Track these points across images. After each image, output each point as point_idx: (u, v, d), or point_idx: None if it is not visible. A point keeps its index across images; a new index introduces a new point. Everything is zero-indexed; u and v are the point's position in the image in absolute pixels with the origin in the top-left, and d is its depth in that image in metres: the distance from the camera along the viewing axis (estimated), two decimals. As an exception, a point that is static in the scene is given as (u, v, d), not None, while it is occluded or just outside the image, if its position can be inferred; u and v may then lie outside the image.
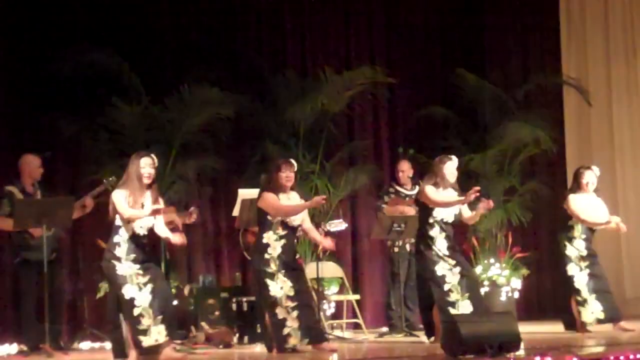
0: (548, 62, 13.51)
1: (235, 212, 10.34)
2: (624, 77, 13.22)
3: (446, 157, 9.16)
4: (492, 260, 12.26)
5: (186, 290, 10.64)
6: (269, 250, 8.44)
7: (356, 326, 11.67)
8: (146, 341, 7.74)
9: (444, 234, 8.97)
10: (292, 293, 8.38)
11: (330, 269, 11.33)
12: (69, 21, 11.28)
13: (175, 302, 8.35)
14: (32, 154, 9.70)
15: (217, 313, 10.38)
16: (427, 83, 13.50)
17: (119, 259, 7.84)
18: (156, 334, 7.75)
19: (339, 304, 11.73)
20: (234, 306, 9.97)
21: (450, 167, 9.09)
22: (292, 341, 8.30)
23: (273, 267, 8.42)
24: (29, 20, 11.08)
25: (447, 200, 8.98)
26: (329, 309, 11.47)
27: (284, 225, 8.50)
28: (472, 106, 12.80)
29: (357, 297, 11.66)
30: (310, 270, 10.45)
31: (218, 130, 11.46)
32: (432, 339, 8.92)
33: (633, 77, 13.15)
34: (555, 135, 12.67)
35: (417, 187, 10.88)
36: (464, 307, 8.77)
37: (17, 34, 11.01)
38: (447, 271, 8.87)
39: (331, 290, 11.43)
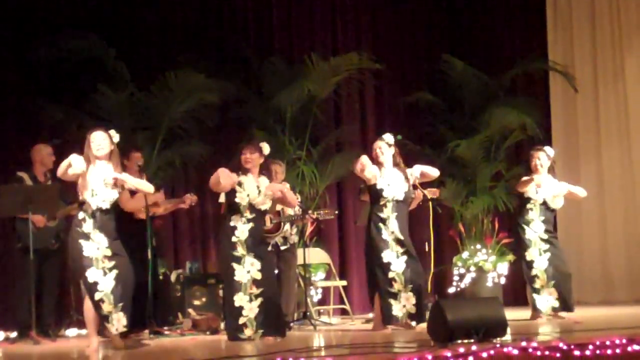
0: (534, 48, 13.52)
1: (222, 198, 10.32)
2: (610, 63, 13.22)
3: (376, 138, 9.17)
4: (478, 246, 12.29)
5: (173, 277, 10.63)
6: (237, 233, 8.35)
7: (343, 312, 11.70)
8: (109, 329, 7.71)
9: (395, 214, 8.89)
10: (259, 277, 8.29)
11: (317, 255, 11.34)
12: (53, 7, 11.22)
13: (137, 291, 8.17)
14: (44, 143, 9.73)
15: (203, 299, 10.39)
16: (414, 69, 13.51)
17: (86, 237, 7.73)
18: (116, 322, 7.69)
19: (325, 290, 11.74)
20: (221, 292, 9.96)
21: (380, 147, 9.06)
22: (247, 332, 8.21)
23: (240, 250, 8.32)
24: (13, 6, 11.02)
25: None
26: (315, 295, 11.48)
27: (252, 208, 8.41)
28: (458, 92, 12.82)
29: (344, 283, 11.68)
30: (297, 256, 10.45)
31: (204, 117, 11.45)
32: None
33: (619, 62, 13.15)
34: (541, 121, 12.70)
35: None
36: (406, 299, 8.75)
37: (0, 20, 10.94)
38: (394, 259, 8.79)
39: (318, 277, 11.44)
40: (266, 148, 8.58)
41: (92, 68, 10.95)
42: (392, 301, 8.73)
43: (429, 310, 7.59)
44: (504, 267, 12.26)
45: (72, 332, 10.05)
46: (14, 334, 9.58)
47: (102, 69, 10.95)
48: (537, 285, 9.44)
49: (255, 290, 8.27)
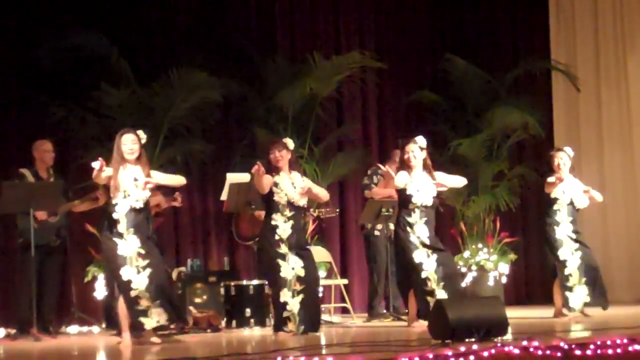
0: (537, 48, 13.52)
1: (224, 196, 10.34)
2: (613, 63, 13.22)
3: (408, 139, 9.10)
4: (480, 245, 12.29)
5: (174, 275, 10.63)
6: (278, 231, 8.52)
7: (344, 310, 11.69)
8: (148, 323, 7.76)
9: (424, 219, 8.94)
10: (302, 274, 8.48)
11: (319, 254, 11.30)
12: (57, 5, 11.22)
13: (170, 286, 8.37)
14: (43, 139, 9.72)
15: (205, 297, 10.40)
16: (416, 68, 13.50)
17: (120, 236, 7.82)
18: (157, 316, 7.77)
19: (327, 289, 11.74)
20: (222, 290, 9.97)
21: (413, 150, 9.02)
22: (291, 326, 8.39)
23: (284, 248, 8.50)
24: (17, 2, 11.02)
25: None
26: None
27: (291, 206, 8.56)
28: (460, 91, 12.81)
29: (345, 281, 11.68)
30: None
31: (206, 115, 11.45)
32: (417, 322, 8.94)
33: (622, 62, 13.16)
34: (543, 120, 12.70)
35: None
36: (440, 295, 8.75)
37: (4, 17, 10.95)
38: (425, 259, 8.81)
39: (319, 275, 11.42)
40: (291, 143, 8.76)
41: (95, 65, 10.94)
42: (429, 299, 8.75)
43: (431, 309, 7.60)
44: (505, 267, 12.25)
45: (73, 329, 10.06)
46: (14, 331, 9.58)
47: (105, 66, 10.95)
48: (570, 283, 9.48)
49: (298, 287, 8.46)
